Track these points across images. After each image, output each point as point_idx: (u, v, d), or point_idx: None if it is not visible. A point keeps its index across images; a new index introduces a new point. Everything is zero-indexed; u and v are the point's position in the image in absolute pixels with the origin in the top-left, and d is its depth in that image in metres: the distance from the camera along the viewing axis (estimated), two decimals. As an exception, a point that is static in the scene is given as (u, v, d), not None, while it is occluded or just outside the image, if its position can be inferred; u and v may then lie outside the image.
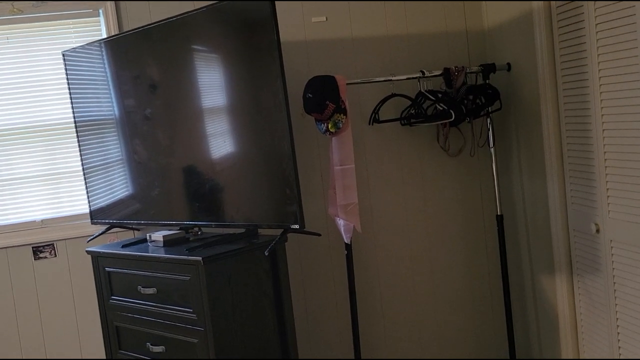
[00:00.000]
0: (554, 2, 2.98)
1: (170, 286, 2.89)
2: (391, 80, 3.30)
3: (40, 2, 3.33)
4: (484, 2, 3.57)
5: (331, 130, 3.07)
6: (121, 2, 3.40)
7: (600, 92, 2.72)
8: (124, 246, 3.16)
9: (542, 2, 3.02)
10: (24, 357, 3.46)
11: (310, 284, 3.58)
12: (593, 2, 2.69)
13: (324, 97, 3.04)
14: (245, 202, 2.97)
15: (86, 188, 3.43)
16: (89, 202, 3.43)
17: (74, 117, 3.43)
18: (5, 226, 3.44)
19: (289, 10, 3.44)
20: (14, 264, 3.44)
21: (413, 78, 3.30)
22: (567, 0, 2.87)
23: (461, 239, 3.68)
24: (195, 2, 3.34)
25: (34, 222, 3.47)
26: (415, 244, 3.64)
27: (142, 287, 2.98)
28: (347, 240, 3.21)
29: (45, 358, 3.48)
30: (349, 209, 3.12)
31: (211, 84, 3.00)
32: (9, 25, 3.40)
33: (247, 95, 2.87)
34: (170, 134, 3.13)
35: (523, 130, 3.35)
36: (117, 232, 3.48)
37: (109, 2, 3.37)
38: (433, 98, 3.29)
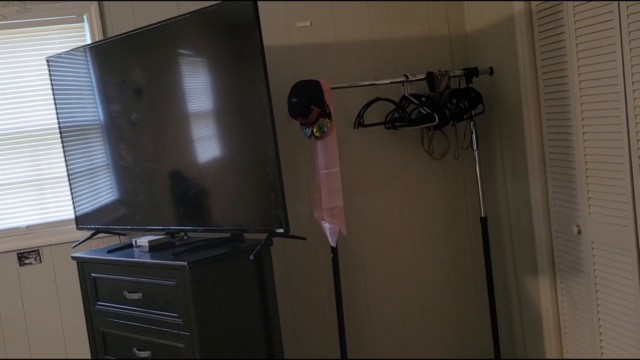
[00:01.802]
0: (534, 2, 3.00)
1: (156, 291, 2.89)
2: (375, 84, 3.32)
3: (23, 2, 3.31)
4: (465, 2, 3.59)
5: (316, 134, 3.09)
6: (105, 2, 3.38)
7: (581, 96, 2.75)
8: (110, 251, 3.16)
9: (522, 2, 3.04)
10: (9, 364, 3.45)
11: (297, 287, 3.59)
12: (572, 2, 2.71)
13: (308, 101, 3.05)
14: (230, 207, 2.98)
15: (71, 194, 3.42)
16: (74, 207, 3.42)
17: (59, 123, 3.42)
18: (-11, 232, 3.43)
19: (273, 15, 3.45)
20: (-2, 270, 3.42)
21: (397, 82, 3.32)
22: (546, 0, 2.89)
23: (446, 240, 3.70)
24: (179, 2, 3.35)
25: (18, 228, 3.45)
26: (400, 246, 3.66)
27: (128, 293, 2.98)
28: (332, 244, 3.22)
29: (31, 364, 3.47)
30: (334, 213, 3.13)
31: (196, 88, 3.00)
32: (-7, 31, 3.39)
33: (231, 100, 2.88)
34: (156, 138, 3.13)
35: (506, 133, 3.38)
36: (102, 237, 3.47)
37: (93, 7, 3.36)
38: (417, 102, 3.32)
